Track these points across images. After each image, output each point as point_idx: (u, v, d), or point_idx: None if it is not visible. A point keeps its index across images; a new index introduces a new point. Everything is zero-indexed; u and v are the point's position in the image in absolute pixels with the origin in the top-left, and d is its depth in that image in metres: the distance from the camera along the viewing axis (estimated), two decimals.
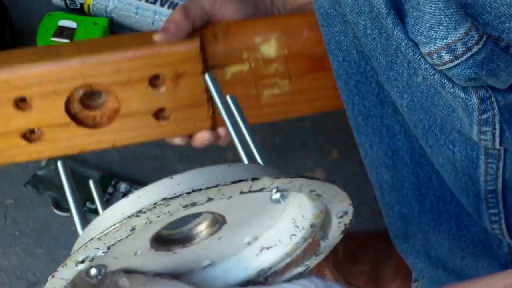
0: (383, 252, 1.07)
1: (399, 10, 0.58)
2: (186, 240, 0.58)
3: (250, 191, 0.50)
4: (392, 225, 0.86)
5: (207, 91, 0.80)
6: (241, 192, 0.50)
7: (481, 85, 0.60)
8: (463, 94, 0.60)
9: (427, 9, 0.55)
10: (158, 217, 0.49)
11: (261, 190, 0.51)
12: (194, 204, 0.49)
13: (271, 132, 1.21)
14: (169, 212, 0.49)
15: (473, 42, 0.56)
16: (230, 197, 0.50)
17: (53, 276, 0.51)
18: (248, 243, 0.62)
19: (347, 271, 1.07)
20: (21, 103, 0.78)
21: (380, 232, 1.08)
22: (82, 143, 0.81)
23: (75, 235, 0.57)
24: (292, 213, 0.60)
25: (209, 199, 0.49)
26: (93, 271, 0.54)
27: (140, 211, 0.48)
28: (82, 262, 0.50)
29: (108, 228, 0.49)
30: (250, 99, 0.85)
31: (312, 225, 0.60)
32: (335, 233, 0.60)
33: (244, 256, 0.63)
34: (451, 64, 0.57)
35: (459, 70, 0.57)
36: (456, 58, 0.57)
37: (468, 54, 0.57)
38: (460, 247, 0.85)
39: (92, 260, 0.50)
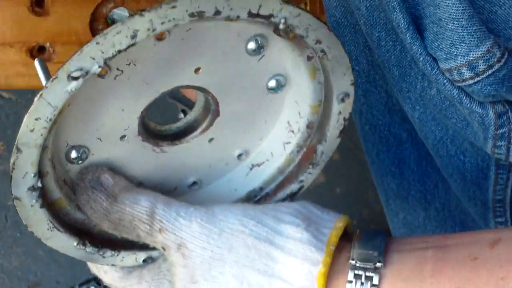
0: None
1: (417, 24, 0.56)
2: (175, 136, 0.56)
3: (258, 15, 0.48)
4: (396, 231, 0.85)
5: None
6: (249, 14, 0.48)
7: (498, 100, 0.58)
8: (480, 110, 0.58)
9: (449, 26, 0.52)
10: (162, 23, 0.45)
11: (269, 17, 0.48)
12: (201, 15, 0.46)
13: None
14: (174, 19, 0.45)
15: (495, 59, 0.54)
16: (238, 17, 0.47)
17: (40, 96, 0.46)
18: (239, 157, 0.59)
19: None
20: None
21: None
22: None
23: None
24: (287, 115, 0.58)
25: (217, 12, 0.46)
26: (73, 154, 0.52)
27: (144, 10, 0.45)
28: (76, 78, 0.46)
29: (108, 30, 0.45)
30: None
31: (308, 125, 0.58)
32: (333, 132, 0.58)
33: (233, 175, 0.60)
34: (471, 81, 0.55)
35: (479, 87, 0.55)
36: (477, 75, 0.55)
37: (489, 72, 0.54)
38: None
39: (86, 74, 0.46)
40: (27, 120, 0.46)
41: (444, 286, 0.49)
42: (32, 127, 0.47)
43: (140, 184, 0.56)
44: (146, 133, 0.54)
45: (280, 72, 0.55)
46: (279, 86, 0.56)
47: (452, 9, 0.52)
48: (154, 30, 0.46)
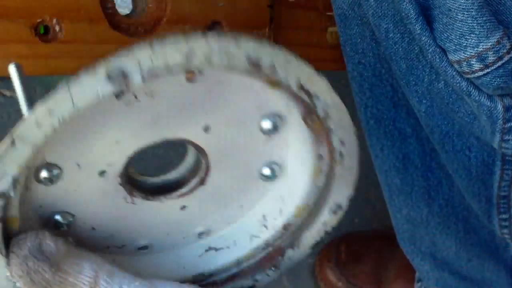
0: (386, 253, 1.05)
1: (426, 15, 0.54)
2: (151, 191, 0.49)
3: (303, 89, 0.43)
4: (399, 227, 0.83)
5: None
6: (299, 85, 0.42)
7: (507, 93, 0.57)
8: (489, 103, 0.57)
9: (459, 17, 0.51)
10: (221, 57, 0.40)
11: (311, 97, 0.43)
12: (258, 66, 0.41)
13: None
14: (233, 56, 0.40)
15: (505, 51, 0.53)
16: (288, 85, 0.42)
17: (67, 87, 0.38)
18: (199, 235, 0.53)
19: (349, 271, 1.06)
20: None
21: (382, 232, 1.07)
22: None
23: None
24: (267, 208, 0.52)
25: (272, 69, 0.41)
26: (44, 173, 0.44)
27: (207, 33, 0.39)
28: (112, 79, 0.38)
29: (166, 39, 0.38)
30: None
31: (285, 226, 0.52)
32: (309, 241, 0.53)
33: (186, 252, 0.54)
34: (480, 73, 0.54)
35: (488, 79, 0.54)
36: (487, 66, 0.53)
37: (499, 63, 0.53)
38: (466, 249, 0.82)
39: (123, 79, 0.38)
40: (40, 111, 0.38)
41: None
42: (41, 121, 0.39)
43: (92, 230, 0.50)
44: (125, 177, 0.48)
45: (278, 162, 0.50)
46: (273, 176, 0.51)
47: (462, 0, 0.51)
48: (209, 60, 0.40)
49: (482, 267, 0.84)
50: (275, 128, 0.48)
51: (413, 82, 0.62)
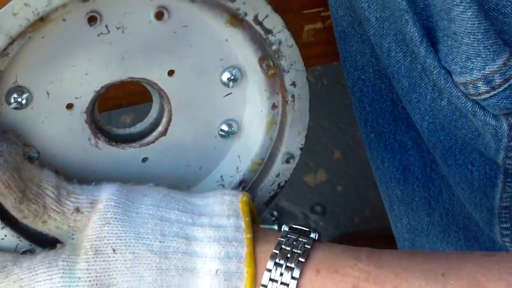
0: None
1: (430, 36, 0.52)
2: (115, 138, 0.51)
3: (261, 23, 0.46)
4: (399, 236, 0.81)
5: None
6: (255, 19, 0.45)
7: None
8: (494, 122, 0.55)
9: (465, 40, 0.49)
10: None
11: (267, 31, 0.46)
12: None
13: None
14: None
15: (511, 72, 0.50)
16: (246, 14, 0.45)
17: None
18: None
19: None
20: None
21: (382, 232, 1.05)
22: None
23: None
24: (224, 168, 0.54)
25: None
26: (15, 95, 0.46)
27: None
28: None
29: None
30: None
31: (241, 183, 0.54)
32: (263, 195, 0.54)
33: None
34: (487, 95, 0.52)
35: (495, 101, 0.52)
36: (493, 89, 0.51)
37: (506, 85, 0.51)
38: None
39: None
40: (17, 1, 0.41)
41: (381, 267, 0.45)
42: (17, 11, 0.41)
43: (56, 173, 0.50)
44: (91, 118, 0.50)
45: (236, 119, 0.52)
46: (230, 133, 0.52)
47: (468, 23, 0.48)
48: None
49: None
50: (234, 80, 0.50)
51: (416, 100, 0.59)
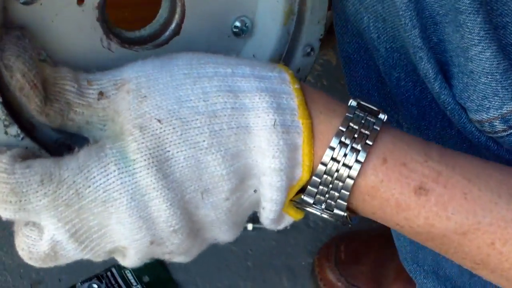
0: (385, 253, 1.01)
1: (444, 70, 0.48)
2: (128, 40, 0.47)
3: None
4: (402, 248, 0.79)
5: None
6: None
7: None
8: (508, 156, 0.51)
9: (482, 80, 0.45)
10: None
11: None
12: None
13: None
14: None
15: None
16: None
17: None
18: None
19: (349, 272, 1.01)
20: None
21: (382, 232, 1.02)
22: None
23: None
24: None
25: None
26: None
27: None
28: None
29: None
30: None
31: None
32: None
33: None
34: (504, 134, 0.48)
35: (511, 139, 0.47)
36: (510, 127, 0.47)
37: None
38: None
39: None
40: None
41: (453, 170, 0.40)
42: None
43: None
44: (103, 16, 0.45)
45: (249, 15, 0.48)
46: (243, 30, 0.48)
47: (487, 64, 0.44)
48: None
49: (484, 283, 0.78)
50: None
51: (425, 127, 0.55)
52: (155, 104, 0.39)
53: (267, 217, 0.42)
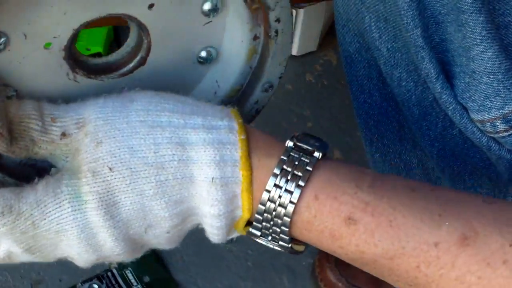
0: None
1: (445, 70, 0.48)
2: (93, 70, 0.49)
3: None
4: None
5: None
6: None
7: None
8: (509, 156, 0.51)
9: (484, 79, 0.45)
10: None
11: None
12: None
13: (272, 131, 1.11)
14: None
15: None
16: None
17: None
18: None
19: (349, 272, 1.00)
20: None
21: None
22: None
23: None
24: (202, 92, 0.52)
25: None
26: None
27: None
28: None
29: None
30: None
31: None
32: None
33: None
34: (505, 134, 0.48)
35: None
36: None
37: None
38: None
39: None
40: None
41: (381, 199, 0.41)
42: None
43: None
44: (69, 53, 0.47)
45: (215, 45, 0.50)
46: (209, 59, 0.50)
47: (489, 63, 0.44)
48: None
49: None
50: (215, 10, 0.48)
51: (426, 127, 0.55)
52: (109, 151, 0.43)
53: (212, 238, 0.45)
